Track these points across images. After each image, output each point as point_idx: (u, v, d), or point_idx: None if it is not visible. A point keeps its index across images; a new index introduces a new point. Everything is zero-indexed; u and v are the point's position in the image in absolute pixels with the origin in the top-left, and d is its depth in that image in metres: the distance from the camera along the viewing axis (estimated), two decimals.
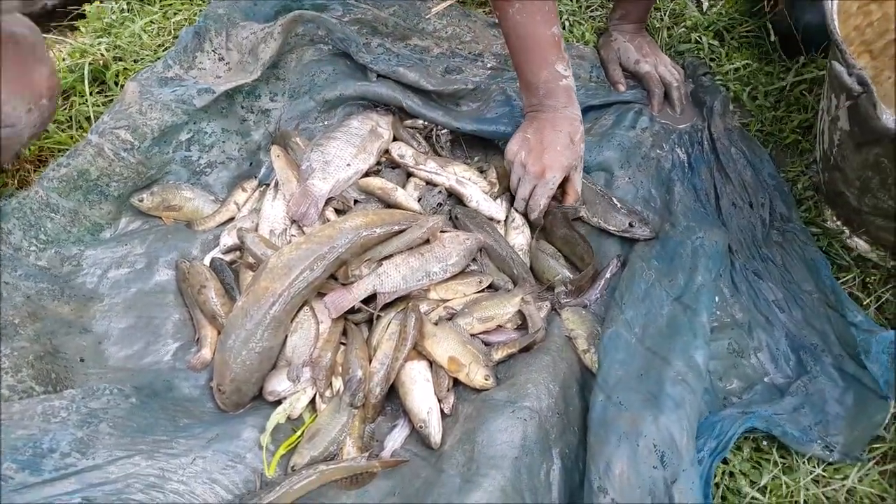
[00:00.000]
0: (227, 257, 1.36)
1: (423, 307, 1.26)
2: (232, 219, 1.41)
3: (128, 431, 1.08)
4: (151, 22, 1.63)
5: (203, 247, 1.40)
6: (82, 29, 1.63)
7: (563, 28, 1.75)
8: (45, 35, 1.60)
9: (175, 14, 1.65)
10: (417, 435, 1.15)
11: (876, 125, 1.14)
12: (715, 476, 1.10)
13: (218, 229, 1.41)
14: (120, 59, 1.55)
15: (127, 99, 1.37)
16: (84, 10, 1.68)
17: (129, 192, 1.37)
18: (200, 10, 1.64)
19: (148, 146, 1.35)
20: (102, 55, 1.53)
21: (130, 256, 1.35)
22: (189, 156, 1.42)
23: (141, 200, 1.36)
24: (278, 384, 1.18)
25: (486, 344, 1.24)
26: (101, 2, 1.68)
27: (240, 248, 1.34)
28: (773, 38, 1.69)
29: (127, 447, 1.06)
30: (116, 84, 1.45)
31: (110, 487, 1.00)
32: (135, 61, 1.56)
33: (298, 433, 1.15)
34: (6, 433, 1.02)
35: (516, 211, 1.41)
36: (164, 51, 1.56)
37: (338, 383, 1.19)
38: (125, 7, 1.65)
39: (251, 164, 1.48)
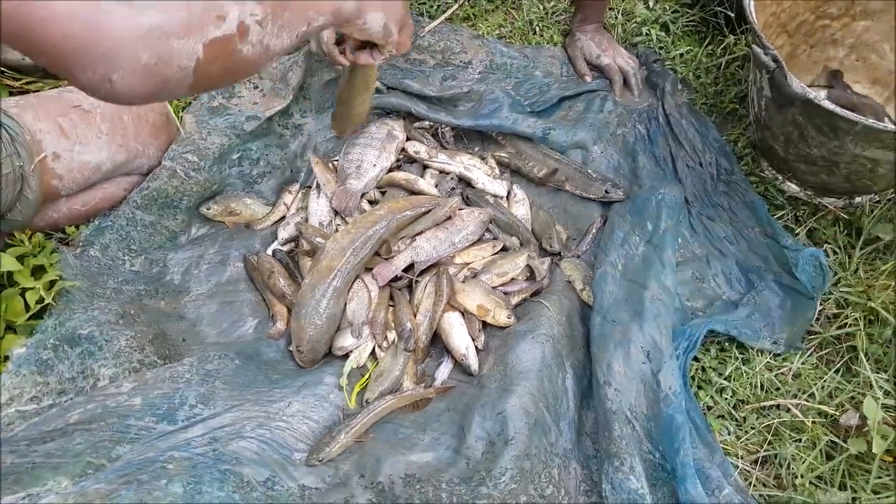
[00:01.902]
0: (285, 248, 1.61)
1: (452, 270, 1.53)
2: (283, 217, 1.66)
3: (236, 386, 1.31)
4: None
5: (263, 242, 1.64)
6: None
7: (534, 33, 2.04)
8: None
9: None
10: (460, 367, 1.42)
11: (789, 91, 1.40)
12: (690, 371, 1.39)
13: (273, 226, 1.66)
14: None
15: (188, 128, 1.63)
16: None
17: (196, 204, 1.62)
18: None
19: (210, 165, 1.61)
20: None
21: (206, 255, 1.59)
22: (242, 169, 1.68)
23: (208, 209, 1.62)
24: (345, 341, 1.44)
25: (505, 293, 1.51)
26: None
27: (295, 239, 1.60)
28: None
29: (237, 398, 1.28)
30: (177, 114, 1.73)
31: (230, 429, 1.22)
32: None
33: (367, 375, 1.41)
34: (146, 395, 1.25)
35: None
36: None
37: (392, 335, 1.45)
38: None
39: (291, 170, 1.74)
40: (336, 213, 1.63)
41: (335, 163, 1.71)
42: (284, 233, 1.63)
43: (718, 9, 1.96)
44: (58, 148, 1.39)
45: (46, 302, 1.32)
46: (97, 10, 0.75)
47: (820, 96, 1.38)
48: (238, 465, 1.16)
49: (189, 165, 1.59)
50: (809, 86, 1.90)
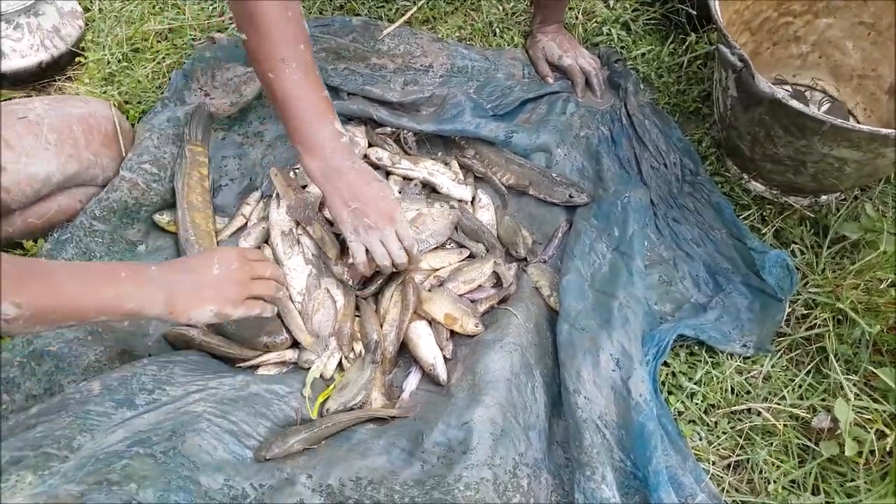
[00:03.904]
0: None
1: (418, 278, 1.50)
2: (244, 227, 1.62)
3: (196, 371, 1.30)
4: (144, 66, 1.86)
5: None
6: (86, 80, 1.85)
7: (494, 34, 2.02)
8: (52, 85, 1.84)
9: (164, 59, 1.89)
10: (428, 377, 1.40)
11: (756, 91, 1.39)
12: (660, 376, 1.38)
13: (232, 237, 1.61)
14: (127, 103, 1.78)
15: (142, 138, 1.58)
16: (83, 60, 1.90)
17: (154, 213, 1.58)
18: (188, 55, 1.87)
19: (170, 175, 1.57)
20: (116, 99, 1.76)
21: None
22: None
23: (161, 215, 1.58)
24: (311, 353, 1.41)
25: (472, 301, 1.48)
26: (86, 57, 1.91)
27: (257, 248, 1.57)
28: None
29: (196, 381, 1.26)
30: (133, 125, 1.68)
31: (187, 418, 1.18)
32: (138, 103, 1.78)
33: (332, 386, 1.38)
34: (104, 379, 1.20)
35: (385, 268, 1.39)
36: (161, 93, 1.79)
37: (359, 347, 1.43)
38: (121, 57, 1.88)
39: (251, 178, 1.69)
40: (297, 222, 1.58)
41: (297, 171, 1.67)
42: (245, 244, 1.59)
43: (680, 6, 1.95)
44: (2, 161, 1.35)
45: None
46: None
47: (787, 96, 1.37)
48: (196, 471, 1.12)
49: (150, 177, 1.56)
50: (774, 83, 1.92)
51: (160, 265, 1.22)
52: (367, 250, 1.37)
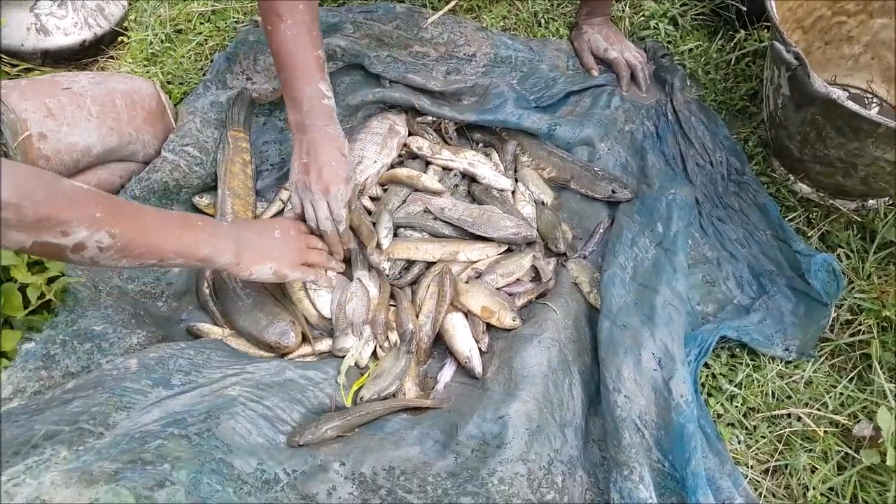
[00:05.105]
0: None
1: (455, 269, 1.49)
2: (280, 212, 1.61)
3: (232, 356, 1.32)
4: (189, 49, 1.87)
5: None
6: (128, 59, 1.86)
7: (539, 25, 2.00)
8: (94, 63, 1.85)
9: (207, 41, 1.89)
10: (463, 370, 1.39)
11: (810, 90, 1.37)
12: (700, 378, 1.36)
13: None
14: (169, 83, 1.78)
15: (184, 120, 1.59)
16: (125, 40, 1.91)
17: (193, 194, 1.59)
18: (230, 37, 1.87)
19: (211, 160, 1.58)
20: (159, 79, 1.76)
21: None
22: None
23: (201, 198, 1.58)
24: (346, 342, 1.40)
25: (510, 294, 1.47)
26: (129, 37, 1.91)
27: None
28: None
29: (232, 365, 1.28)
30: (176, 105, 1.68)
31: (222, 401, 1.18)
32: (181, 84, 1.79)
33: (366, 375, 1.37)
34: (141, 357, 1.22)
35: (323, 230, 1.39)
36: (203, 75, 1.79)
37: (394, 336, 1.42)
38: (163, 38, 1.88)
39: None
40: None
41: None
42: None
43: (730, 2, 1.91)
44: (44, 128, 1.37)
45: (47, 298, 1.29)
46: None
47: (843, 96, 1.33)
48: (229, 454, 1.12)
49: (192, 160, 1.57)
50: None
51: (230, 223, 1.35)
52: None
